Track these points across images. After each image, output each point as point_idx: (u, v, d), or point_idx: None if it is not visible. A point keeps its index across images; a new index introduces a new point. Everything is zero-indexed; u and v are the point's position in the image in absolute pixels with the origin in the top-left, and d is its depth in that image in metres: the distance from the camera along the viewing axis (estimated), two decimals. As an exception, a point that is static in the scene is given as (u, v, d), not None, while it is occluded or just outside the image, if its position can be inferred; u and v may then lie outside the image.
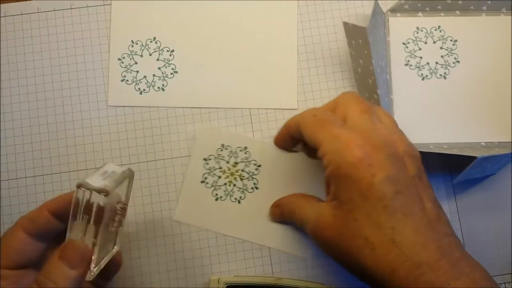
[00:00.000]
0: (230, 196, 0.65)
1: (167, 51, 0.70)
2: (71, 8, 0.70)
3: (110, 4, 0.70)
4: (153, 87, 0.69)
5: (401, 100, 0.68)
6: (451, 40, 0.70)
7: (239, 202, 0.65)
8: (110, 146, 0.67)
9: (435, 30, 0.71)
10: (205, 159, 0.63)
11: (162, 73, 0.69)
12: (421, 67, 0.70)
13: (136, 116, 0.68)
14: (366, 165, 0.50)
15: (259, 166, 0.65)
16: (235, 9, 0.70)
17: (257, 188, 0.65)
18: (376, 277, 0.50)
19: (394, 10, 0.70)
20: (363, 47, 0.64)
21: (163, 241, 0.66)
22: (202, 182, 0.64)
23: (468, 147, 0.67)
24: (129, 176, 0.55)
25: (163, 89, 0.69)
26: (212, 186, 0.65)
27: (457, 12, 0.71)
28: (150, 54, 0.70)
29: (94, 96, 0.68)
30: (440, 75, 0.69)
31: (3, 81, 0.68)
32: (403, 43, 0.70)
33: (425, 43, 0.70)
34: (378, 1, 0.70)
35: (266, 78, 0.69)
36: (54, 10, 0.70)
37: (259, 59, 0.69)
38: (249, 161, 0.65)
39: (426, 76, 0.69)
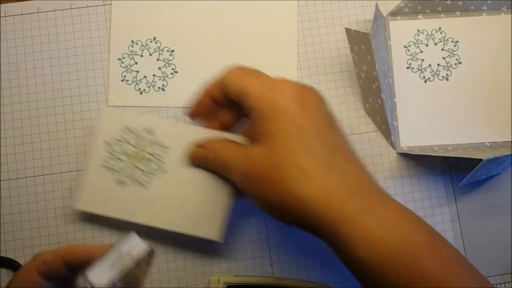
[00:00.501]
0: (135, 180, 0.62)
1: (167, 51, 0.70)
2: (71, 8, 0.70)
3: (110, 4, 0.70)
4: (153, 87, 0.69)
5: (404, 103, 0.69)
6: (452, 41, 0.70)
7: (144, 186, 0.63)
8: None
9: (436, 32, 0.70)
10: (107, 142, 0.62)
11: (162, 73, 0.69)
12: (423, 70, 0.70)
13: (136, 116, 0.68)
14: (301, 100, 0.52)
15: (166, 148, 0.62)
16: (235, 9, 0.70)
17: (164, 171, 0.62)
18: (309, 204, 0.50)
19: (394, 14, 0.70)
20: (366, 53, 0.64)
21: (164, 241, 0.66)
22: (104, 166, 0.62)
23: (473, 148, 0.67)
24: (147, 258, 0.53)
25: (163, 89, 0.69)
26: (115, 171, 0.62)
27: (457, 13, 0.70)
28: (150, 54, 0.70)
29: (94, 96, 0.68)
30: (443, 76, 0.69)
31: (3, 81, 0.68)
32: (404, 46, 0.70)
33: (426, 45, 0.70)
34: (379, 0, 0.70)
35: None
36: (54, 10, 0.70)
37: (259, 59, 0.69)
38: (155, 144, 0.62)
39: (429, 78, 0.69)
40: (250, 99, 0.54)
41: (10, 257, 0.64)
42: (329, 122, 0.53)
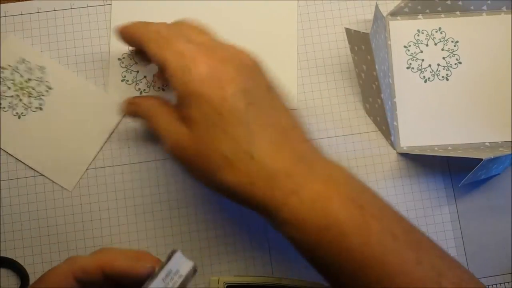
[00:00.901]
0: (13, 109, 0.66)
1: (167, 51, 0.70)
2: (71, 8, 0.70)
3: (110, 4, 0.70)
4: (153, 87, 0.69)
5: (404, 103, 0.68)
6: (452, 41, 0.70)
7: (19, 117, 0.66)
8: (110, 146, 0.67)
9: (436, 32, 0.70)
10: (1, 67, 0.66)
11: (162, 73, 0.69)
12: (423, 70, 0.69)
13: (136, 116, 0.68)
14: (215, 80, 0.50)
15: (51, 88, 0.66)
16: (235, 10, 0.70)
17: (41, 109, 0.66)
18: (237, 191, 0.50)
19: (394, 14, 0.70)
20: (366, 53, 0.64)
21: (163, 241, 0.66)
22: None
23: (473, 148, 0.67)
24: (191, 275, 0.52)
25: (163, 89, 0.69)
26: (10, 107, 0.66)
27: (457, 13, 0.70)
28: (150, 54, 0.70)
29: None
30: (443, 76, 0.69)
31: (3, 81, 0.68)
32: (404, 46, 0.70)
33: (427, 45, 0.70)
34: (379, 1, 0.70)
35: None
36: (54, 10, 0.69)
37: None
38: (41, 81, 0.66)
39: (429, 78, 0.69)
40: (168, 76, 0.52)
41: (10, 257, 0.65)
42: (250, 99, 0.51)
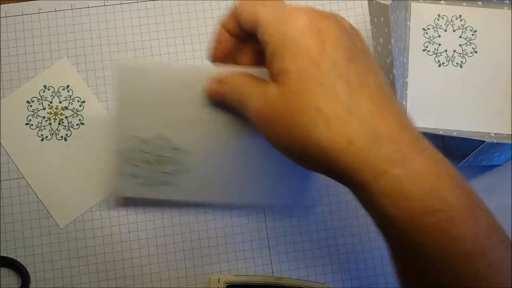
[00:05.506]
0: (56, 134, 0.66)
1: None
2: (72, 9, 0.70)
3: (111, 5, 0.70)
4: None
5: (415, 84, 0.69)
6: (470, 30, 0.71)
7: (42, 140, 0.66)
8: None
9: (456, 19, 0.71)
10: (28, 101, 0.67)
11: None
12: (438, 54, 0.70)
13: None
14: (315, 31, 0.45)
15: (83, 102, 0.67)
16: None
17: (66, 140, 0.66)
18: (330, 151, 0.44)
19: (417, -5, 0.71)
20: (384, 25, 0.63)
21: (163, 240, 0.66)
22: (27, 124, 0.66)
23: (477, 136, 0.65)
24: None
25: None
26: (37, 127, 0.66)
27: (479, 3, 0.71)
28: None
29: (95, 96, 0.68)
30: (457, 63, 0.70)
31: (4, 81, 0.69)
32: (423, 29, 0.71)
33: (445, 30, 0.71)
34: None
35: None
36: (55, 11, 0.70)
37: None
38: (72, 99, 0.66)
39: (443, 63, 0.70)
40: (261, 32, 0.48)
41: (11, 256, 0.65)
42: (349, 55, 0.45)
